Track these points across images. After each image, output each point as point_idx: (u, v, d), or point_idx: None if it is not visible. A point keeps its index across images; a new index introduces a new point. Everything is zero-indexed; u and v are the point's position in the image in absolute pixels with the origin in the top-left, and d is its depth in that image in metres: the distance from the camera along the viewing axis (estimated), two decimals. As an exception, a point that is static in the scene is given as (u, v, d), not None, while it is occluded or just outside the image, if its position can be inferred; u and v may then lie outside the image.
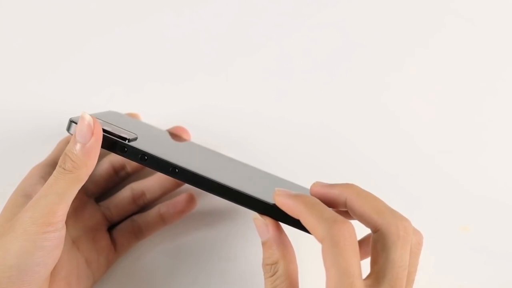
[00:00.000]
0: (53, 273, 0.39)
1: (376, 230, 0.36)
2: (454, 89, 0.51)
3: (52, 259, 0.37)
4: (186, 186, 0.47)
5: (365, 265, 0.35)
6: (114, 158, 0.46)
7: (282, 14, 0.51)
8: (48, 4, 0.51)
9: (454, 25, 0.51)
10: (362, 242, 0.38)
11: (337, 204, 0.37)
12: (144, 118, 0.48)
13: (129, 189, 0.46)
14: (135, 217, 0.46)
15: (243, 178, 0.43)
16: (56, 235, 0.36)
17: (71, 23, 0.51)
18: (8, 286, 0.35)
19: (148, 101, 0.50)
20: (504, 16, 0.52)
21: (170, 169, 0.37)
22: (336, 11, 0.51)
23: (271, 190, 0.37)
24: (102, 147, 0.37)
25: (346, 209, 0.37)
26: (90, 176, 0.38)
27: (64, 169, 0.36)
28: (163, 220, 0.46)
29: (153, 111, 0.49)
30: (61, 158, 0.37)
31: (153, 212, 0.46)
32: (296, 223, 0.36)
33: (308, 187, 0.41)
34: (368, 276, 0.35)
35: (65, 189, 0.36)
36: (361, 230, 0.37)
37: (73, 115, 0.38)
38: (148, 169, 0.46)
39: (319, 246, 0.34)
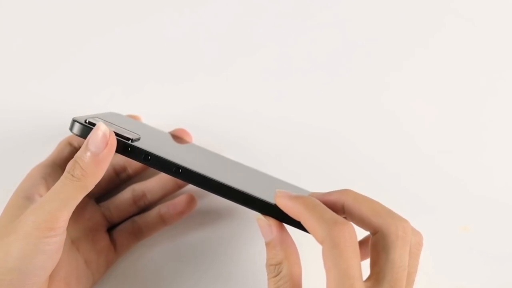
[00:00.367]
0: (53, 274, 0.39)
1: (375, 232, 0.36)
2: (454, 89, 0.51)
3: (52, 262, 0.37)
4: (187, 187, 0.47)
5: (365, 266, 0.35)
6: (115, 160, 0.46)
7: (282, 14, 0.51)
8: (48, 4, 0.51)
9: (454, 25, 0.51)
10: (361, 243, 0.38)
11: (335, 210, 0.37)
12: (144, 118, 0.48)
13: (130, 190, 0.46)
14: (135, 218, 0.46)
15: (245, 179, 0.43)
16: (57, 239, 0.36)
17: (71, 23, 0.51)
18: None
19: (148, 101, 0.50)
20: (504, 16, 0.52)
21: (174, 169, 0.37)
22: (336, 11, 0.51)
23: (273, 191, 0.37)
24: None
25: (344, 216, 0.37)
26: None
27: (73, 176, 0.36)
28: (163, 221, 0.46)
29: (153, 111, 0.49)
30: (70, 163, 0.37)
31: (153, 213, 0.46)
32: (298, 224, 0.36)
33: (308, 188, 0.41)
34: (368, 278, 0.35)
35: (71, 196, 0.36)
36: (361, 232, 0.37)
37: (73, 115, 0.38)
38: (149, 171, 0.47)
39: (320, 247, 0.34)
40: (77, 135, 0.37)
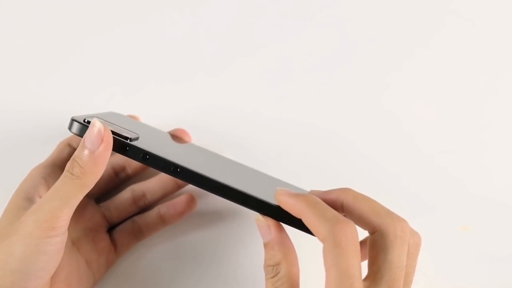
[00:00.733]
0: (54, 274, 0.39)
1: (374, 232, 0.36)
2: (454, 89, 0.51)
3: (54, 264, 0.37)
4: (187, 187, 0.47)
5: (363, 265, 0.35)
6: (114, 160, 0.46)
7: (282, 14, 0.51)
8: (48, 4, 0.51)
9: (454, 25, 0.51)
10: (361, 244, 0.38)
11: (334, 208, 0.37)
12: (144, 118, 0.48)
13: (130, 191, 0.46)
14: (135, 218, 0.46)
15: (244, 179, 0.43)
16: (58, 239, 0.36)
17: (71, 23, 0.51)
18: None
19: (148, 101, 0.50)
20: (504, 16, 0.52)
21: (172, 168, 0.37)
22: (336, 11, 0.51)
23: (272, 191, 0.37)
24: None
25: (343, 214, 0.37)
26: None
27: (72, 174, 0.36)
28: (163, 221, 0.46)
29: (153, 111, 0.49)
30: (69, 162, 0.37)
31: (153, 213, 0.46)
32: (298, 224, 0.36)
33: (308, 188, 0.41)
34: (366, 277, 0.35)
35: (71, 195, 0.36)
36: (361, 233, 0.37)
37: (73, 115, 0.38)
38: (148, 171, 0.47)
39: (319, 247, 0.34)
40: (76, 134, 0.37)
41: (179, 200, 0.46)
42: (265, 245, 0.37)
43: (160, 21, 0.51)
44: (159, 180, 0.46)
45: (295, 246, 0.37)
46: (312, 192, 0.38)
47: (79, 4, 0.51)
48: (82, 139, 0.36)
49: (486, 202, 0.48)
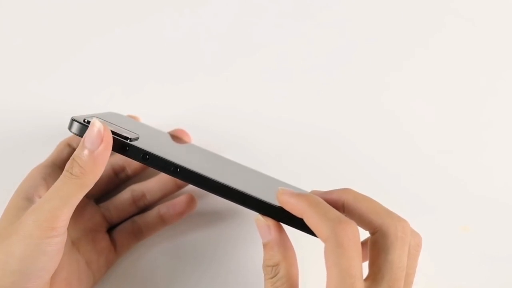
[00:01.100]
0: (54, 275, 0.39)
1: (374, 232, 0.36)
2: (454, 89, 0.51)
3: (54, 264, 0.37)
4: (187, 187, 0.47)
5: (365, 267, 0.35)
6: (114, 160, 0.46)
7: (282, 14, 0.51)
8: (48, 4, 0.51)
9: (454, 25, 0.51)
10: (362, 245, 0.38)
11: (336, 209, 0.37)
12: (144, 118, 0.48)
13: (130, 191, 0.46)
14: (135, 218, 0.46)
15: (244, 179, 0.43)
16: (58, 240, 0.36)
17: (71, 23, 0.51)
18: None
19: (148, 101, 0.50)
20: (504, 16, 0.52)
21: (172, 168, 0.37)
22: (336, 11, 0.51)
23: (272, 191, 0.37)
24: None
25: (344, 214, 0.37)
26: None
27: (71, 174, 0.36)
28: (163, 221, 0.46)
29: (153, 111, 0.49)
30: (69, 162, 0.37)
31: (153, 213, 0.46)
32: (298, 224, 0.36)
33: (308, 188, 0.41)
34: (367, 278, 0.35)
35: (70, 194, 0.36)
36: (362, 233, 0.37)
37: (73, 115, 0.38)
38: (148, 171, 0.47)
39: (318, 248, 0.34)
40: (75, 134, 0.37)
41: (179, 200, 0.46)
42: (265, 245, 0.37)
43: (160, 21, 0.51)
44: (159, 181, 0.46)
45: (294, 247, 0.37)
46: (314, 192, 0.38)
47: (79, 4, 0.51)
48: (82, 139, 0.36)
49: (486, 202, 0.48)
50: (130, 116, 0.48)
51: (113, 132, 0.37)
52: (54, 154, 0.44)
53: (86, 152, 0.36)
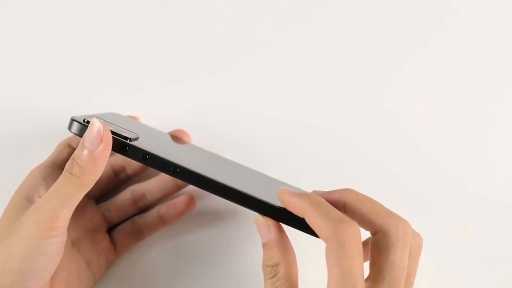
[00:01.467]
0: (54, 275, 0.39)
1: (375, 232, 0.36)
2: (454, 89, 0.51)
3: (54, 264, 0.37)
4: (186, 187, 0.47)
5: (365, 267, 0.35)
6: (114, 160, 0.46)
7: (282, 14, 0.51)
8: (48, 4, 0.51)
9: (454, 25, 0.51)
10: (363, 245, 0.39)
11: (337, 209, 0.37)
12: (144, 118, 0.48)
13: (130, 191, 0.46)
14: (135, 218, 0.46)
15: (244, 179, 0.43)
16: (58, 240, 0.36)
17: (71, 23, 0.51)
18: None
19: (148, 101, 0.50)
20: (504, 16, 0.52)
21: (171, 168, 0.37)
22: (336, 11, 0.51)
23: (272, 191, 0.37)
24: None
25: (346, 214, 0.37)
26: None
27: (71, 174, 0.36)
28: (163, 221, 0.46)
29: (153, 111, 0.49)
30: (68, 162, 0.37)
31: (153, 213, 0.46)
32: (298, 224, 0.36)
33: (308, 188, 0.41)
34: (368, 278, 0.35)
35: (70, 194, 0.36)
36: (363, 234, 0.37)
37: (73, 115, 0.38)
38: (148, 172, 0.47)
39: (318, 249, 0.34)
40: (75, 134, 0.37)
41: (179, 200, 0.46)
42: (264, 245, 0.37)
43: (160, 21, 0.51)
44: (159, 181, 0.46)
45: (294, 247, 0.37)
46: (315, 192, 0.38)
47: (79, 4, 0.51)
48: (82, 139, 0.36)
49: (486, 202, 0.48)
50: (130, 116, 0.48)
51: (112, 132, 0.37)
52: (54, 154, 0.44)
53: (85, 152, 0.36)
